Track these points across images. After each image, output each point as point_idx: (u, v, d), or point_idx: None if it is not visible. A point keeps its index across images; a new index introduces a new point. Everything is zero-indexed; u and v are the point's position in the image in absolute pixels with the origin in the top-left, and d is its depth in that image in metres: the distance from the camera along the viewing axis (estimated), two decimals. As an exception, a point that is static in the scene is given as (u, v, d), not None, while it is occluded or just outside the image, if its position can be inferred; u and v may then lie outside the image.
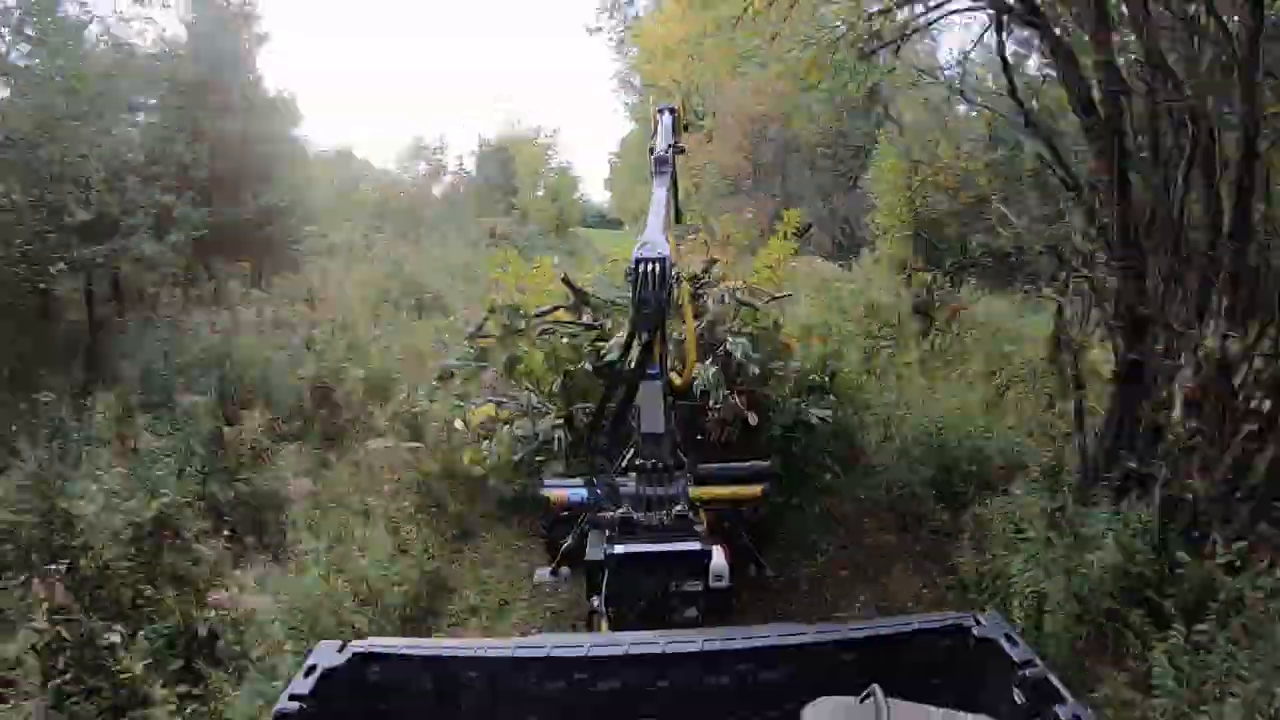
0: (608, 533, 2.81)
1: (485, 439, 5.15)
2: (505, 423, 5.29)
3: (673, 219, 4.89)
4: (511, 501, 5.27)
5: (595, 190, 32.13)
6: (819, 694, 1.52)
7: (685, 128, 5.19)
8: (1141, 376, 4.28)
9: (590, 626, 3.19)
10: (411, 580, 4.29)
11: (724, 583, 2.90)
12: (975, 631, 1.60)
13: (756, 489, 3.26)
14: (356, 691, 1.60)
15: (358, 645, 1.63)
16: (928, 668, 1.63)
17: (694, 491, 3.17)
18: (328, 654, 1.60)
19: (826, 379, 4.90)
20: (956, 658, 1.62)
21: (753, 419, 4.32)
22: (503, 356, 4.84)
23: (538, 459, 5.06)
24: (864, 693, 1.41)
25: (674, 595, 2.72)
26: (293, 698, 1.46)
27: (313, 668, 1.55)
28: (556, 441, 5.00)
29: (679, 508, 2.82)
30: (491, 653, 1.65)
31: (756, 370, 4.34)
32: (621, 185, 24.20)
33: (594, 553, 2.94)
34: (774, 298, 5.05)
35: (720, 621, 3.06)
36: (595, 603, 2.96)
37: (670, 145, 4.26)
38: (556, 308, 4.92)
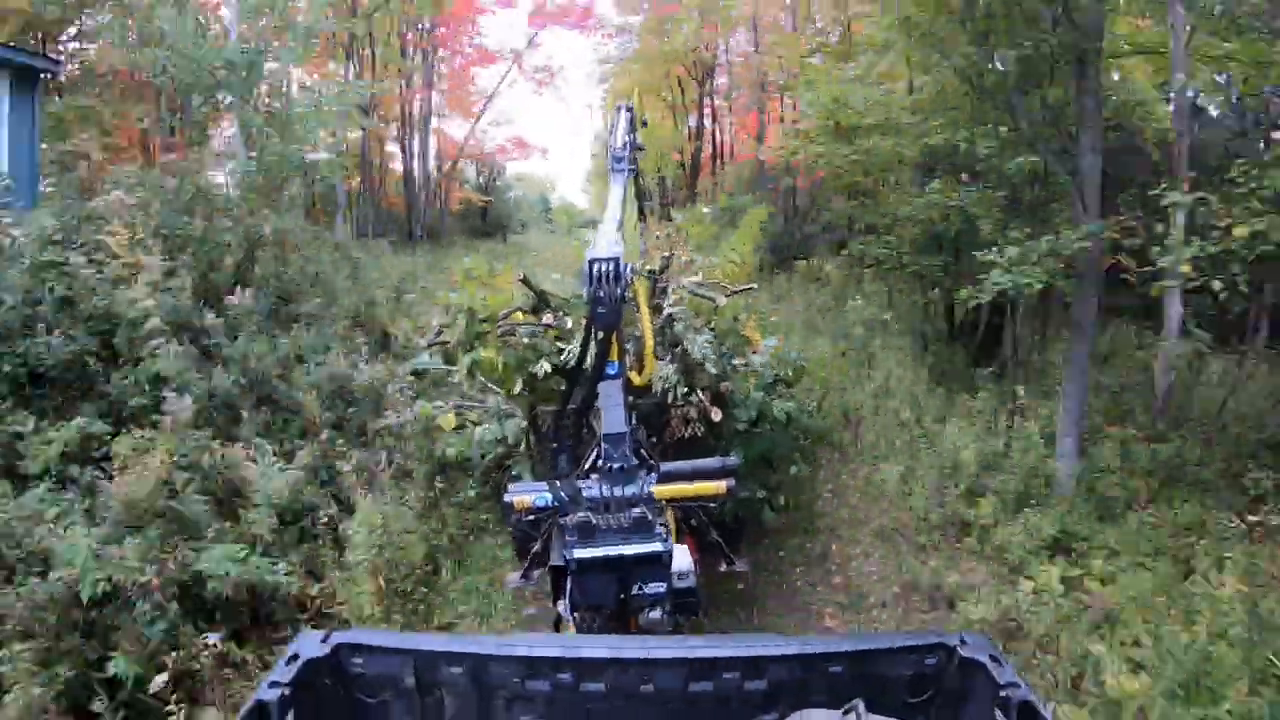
0: (567, 537, 2.77)
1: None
2: (474, 424, 5.25)
3: (634, 217, 4.88)
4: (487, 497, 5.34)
5: (575, 186, 38.77)
6: (802, 705, 1.53)
7: (643, 124, 5.17)
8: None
9: (556, 631, 3.16)
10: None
11: (688, 582, 2.88)
12: (960, 650, 1.59)
13: (722, 485, 3.25)
14: (338, 682, 1.60)
15: (341, 636, 1.62)
16: (911, 684, 1.63)
17: (659, 490, 3.14)
18: (310, 644, 1.59)
19: (790, 373, 4.91)
20: (940, 676, 1.62)
21: (716, 415, 4.31)
22: (465, 360, 4.77)
23: (506, 462, 5.02)
24: (847, 706, 1.41)
25: (637, 597, 2.69)
26: (273, 685, 1.46)
27: (294, 656, 1.54)
28: (522, 443, 4.96)
29: (638, 509, 2.79)
30: (474, 649, 1.65)
31: (714, 370, 4.33)
32: (598, 186, 30.77)
33: (556, 558, 2.91)
34: (735, 291, 5.04)
35: (688, 621, 3.05)
36: (561, 608, 2.93)
37: (628, 143, 4.24)
38: (516, 309, 4.86)
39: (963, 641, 1.60)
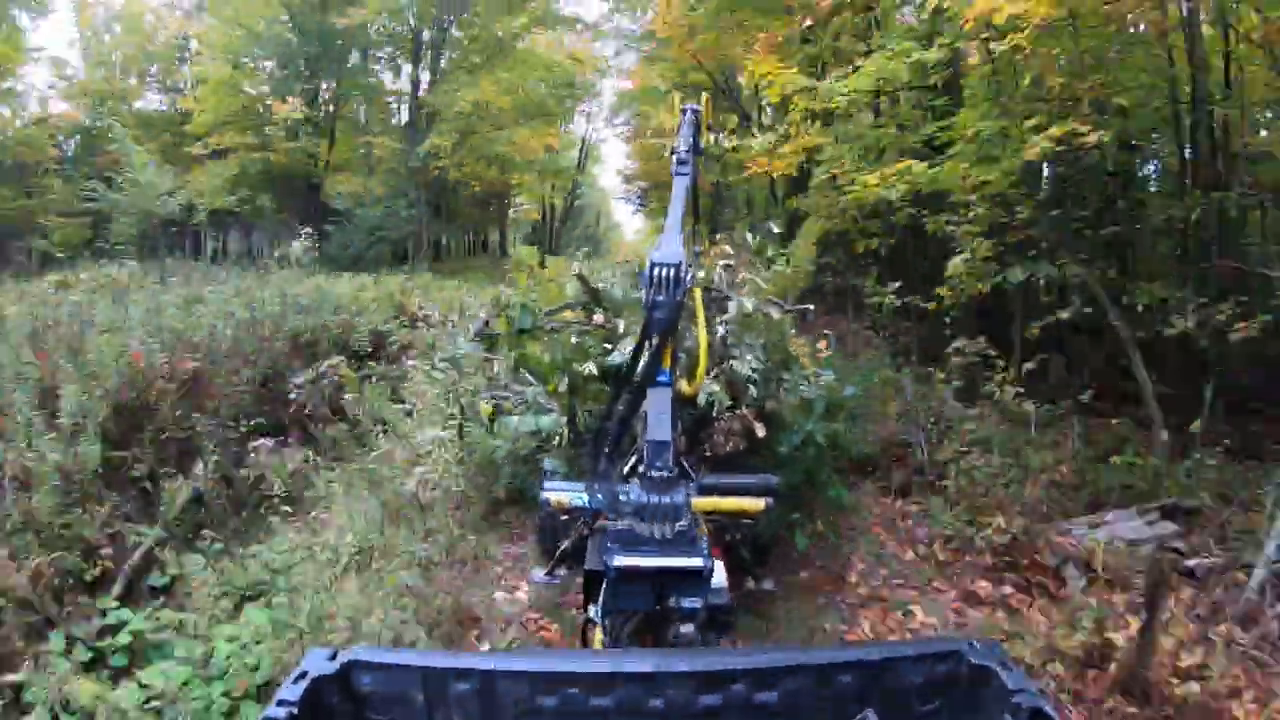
0: (607, 543, 2.73)
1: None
2: (508, 414, 5.25)
3: (691, 221, 4.82)
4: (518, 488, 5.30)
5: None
6: (813, 716, 1.51)
7: (708, 128, 5.11)
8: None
9: (584, 635, 3.12)
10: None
11: (724, 599, 2.82)
12: (970, 657, 1.57)
13: (760, 503, 3.18)
14: (347, 700, 1.59)
15: (349, 653, 1.61)
16: (921, 693, 1.61)
17: (698, 502, 3.09)
18: (318, 661, 1.58)
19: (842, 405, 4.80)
20: (950, 683, 1.60)
21: (760, 431, 4.24)
22: (509, 352, 4.78)
23: (540, 454, 5.01)
24: (858, 717, 1.41)
25: (672, 610, 2.64)
26: (281, 703, 1.44)
27: (303, 674, 1.53)
28: (559, 439, 4.95)
29: (682, 522, 2.74)
30: (484, 665, 1.63)
31: (756, 393, 4.25)
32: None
33: (592, 562, 2.87)
34: (788, 310, 4.96)
35: (719, 638, 2.99)
36: (591, 612, 2.89)
37: (690, 146, 4.19)
38: (567, 306, 4.85)
39: (972, 647, 1.58)
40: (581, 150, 25.79)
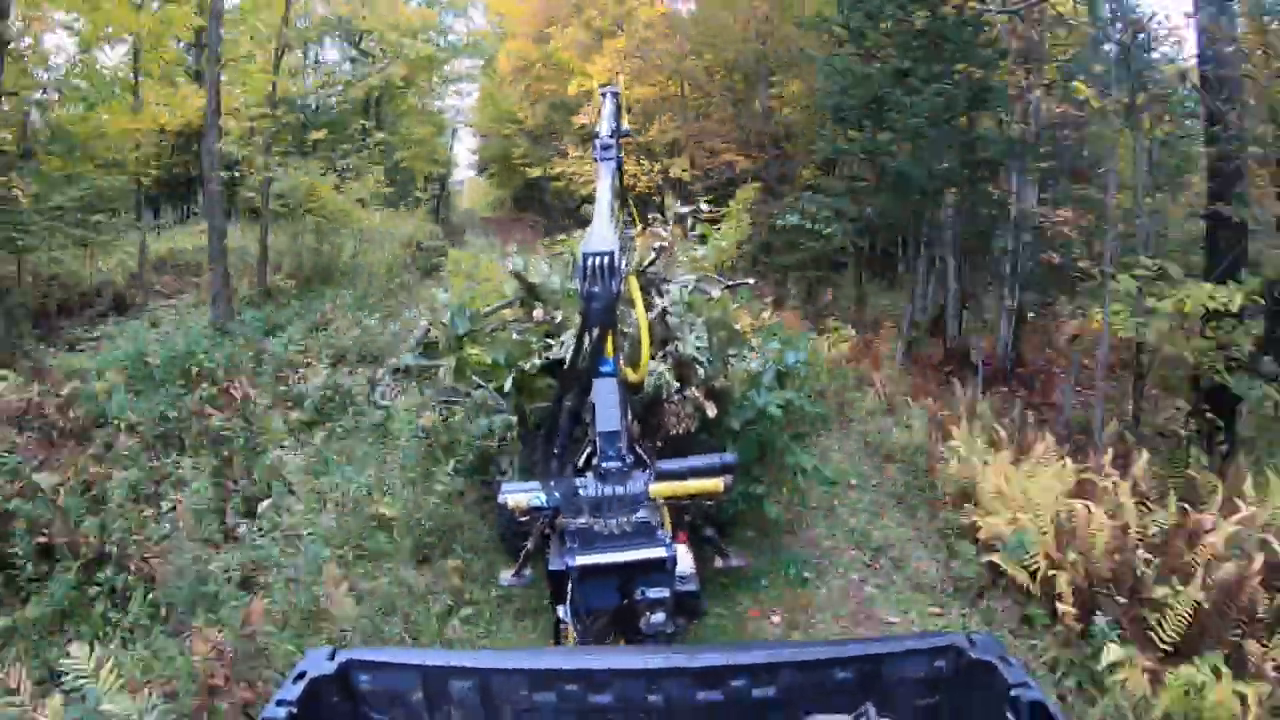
0: (569, 543, 2.70)
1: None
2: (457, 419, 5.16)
3: (620, 206, 4.77)
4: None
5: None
6: (812, 711, 1.51)
7: (629, 110, 5.04)
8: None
9: (556, 637, 3.09)
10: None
11: (691, 585, 2.82)
12: (970, 652, 1.58)
13: (719, 482, 3.17)
14: (345, 699, 1.59)
15: (347, 653, 1.61)
16: (921, 687, 1.62)
17: (655, 488, 3.07)
18: (317, 661, 1.58)
19: (783, 369, 4.83)
20: (950, 678, 1.61)
21: (711, 410, 4.24)
22: (452, 359, 4.67)
23: (495, 452, 4.94)
24: (857, 711, 1.40)
25: (640, 602, 2.63)
26: (280, 703, 1.44)
27: (301, 674, 1.53)
28: (510, 440, 4.88)
29: (641, 513, 2.72)
30: (481, 663, 1.64)
31: (704, 372, 4.25)
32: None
33: (556, 562, 2.83)
34: (729, 286, 4.96)
35: (690, 623, 2.99)
36: (561, 613, 2.86)
37: (614, 129, 4.12)
38: (505, 304, 4.75)
39: (971, 642, 1.59)
40: (452, 137, 33.16)
